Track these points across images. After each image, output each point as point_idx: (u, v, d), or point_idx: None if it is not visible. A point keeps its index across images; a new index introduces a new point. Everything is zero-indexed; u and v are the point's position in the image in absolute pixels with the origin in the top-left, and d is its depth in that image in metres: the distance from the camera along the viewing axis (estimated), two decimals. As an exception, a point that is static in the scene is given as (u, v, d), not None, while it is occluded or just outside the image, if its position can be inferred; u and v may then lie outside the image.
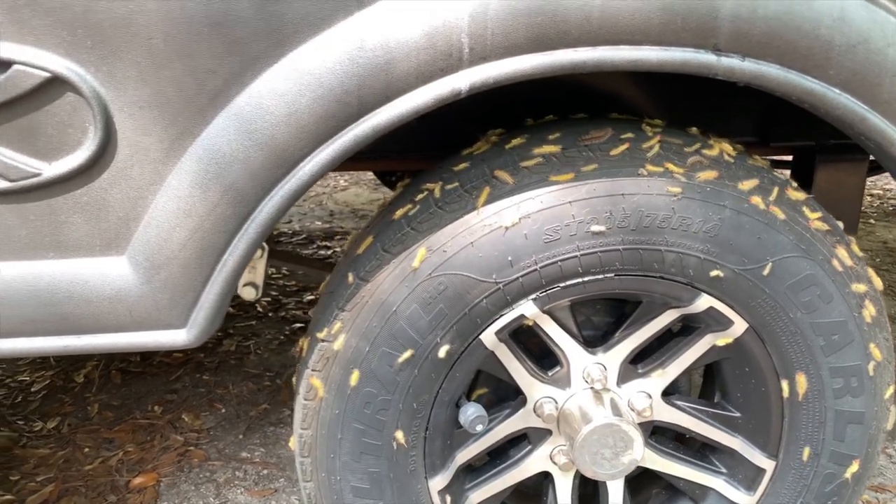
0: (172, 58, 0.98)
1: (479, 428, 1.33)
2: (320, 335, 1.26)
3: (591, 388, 1.40)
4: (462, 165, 1.24)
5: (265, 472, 2.27)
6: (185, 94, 1.00)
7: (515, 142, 1.23)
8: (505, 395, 1.48)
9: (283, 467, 2.29)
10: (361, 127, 1.02)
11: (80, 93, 0.98)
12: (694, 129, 1.32)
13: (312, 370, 1.28)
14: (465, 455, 1.41)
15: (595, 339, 1.43)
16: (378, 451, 1.30)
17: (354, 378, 1.25)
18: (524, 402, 1.41)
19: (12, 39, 0.95)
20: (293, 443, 1.38)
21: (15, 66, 0.96)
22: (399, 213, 1.25)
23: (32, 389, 2.75)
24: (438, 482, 1.37)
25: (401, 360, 1.23)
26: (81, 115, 1.00)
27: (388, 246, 1.23)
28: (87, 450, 2.39)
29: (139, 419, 2.56)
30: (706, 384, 1.61)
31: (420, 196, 1.25)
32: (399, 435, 1.29)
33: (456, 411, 1.36)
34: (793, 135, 1.71)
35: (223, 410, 2.61)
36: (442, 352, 1.24)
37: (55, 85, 0.98)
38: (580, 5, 0.97)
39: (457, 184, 1.23)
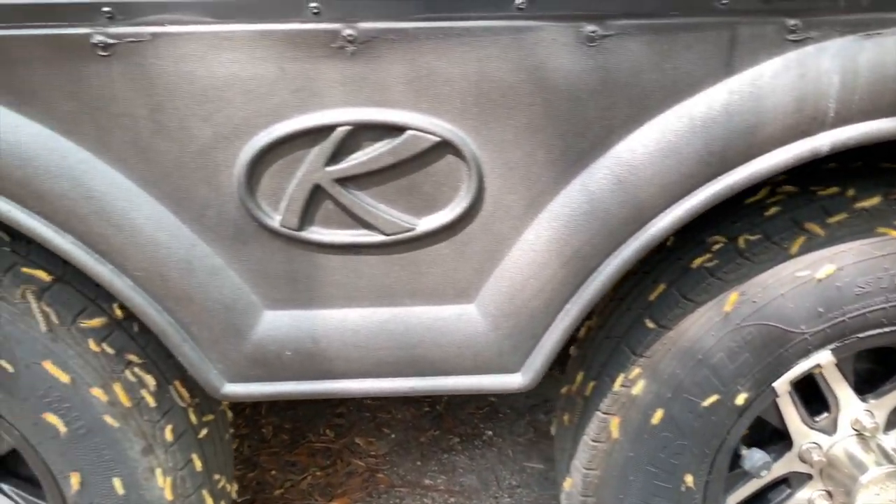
0: (548, 123, 1.04)
1: (764, 473, 1.36)
2: (617, 381, 1.30)
3: (858, 434, 1.40)
4: (768, 213, 1.27)
5: (452, 500, 2.32)
6: (551, 156, 1.06)
7: (830, 191, 1.26)
8: (758, 440, 1.50)
9: (469, 496, 2.33)
10: (718, 185, 1.06)
11: (461, 155, 1.05)
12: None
13: (605, 413, 1.33)
14: (734, 499, 1.43)
15: (859, 386, 1.44)
16: (667, 494, 1.33)
17: (654, 423, 1.29)
18: (789, 447, 1.43)
19: (408, 107, 1.03)
20: (570, 483, 1.42)
21: (409, 132, 1.04)
22: (697, 262, 1.29)
23: (205, 411, 2.86)
24: (713, 524, 1.39)
25: (702, 406, 1.27)
26: (457, 176, 1.07)
27: (690, 295, 1.27)
28: (273, 472, 2.48)
29: (314, 442, 2.64)
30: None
31: (717, 246, 1.29)
32: (689, 478, 1.32)
33: (732, 455, 1.39)
34: None
35: (393, 436, 2.67)
36: (740, 399, 1.28)
37: (440, 148, 1.05)
38: (948, 72, 1.00)
39: (760, 235, 1.26)
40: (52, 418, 1.26)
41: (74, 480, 1.31)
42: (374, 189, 1.07)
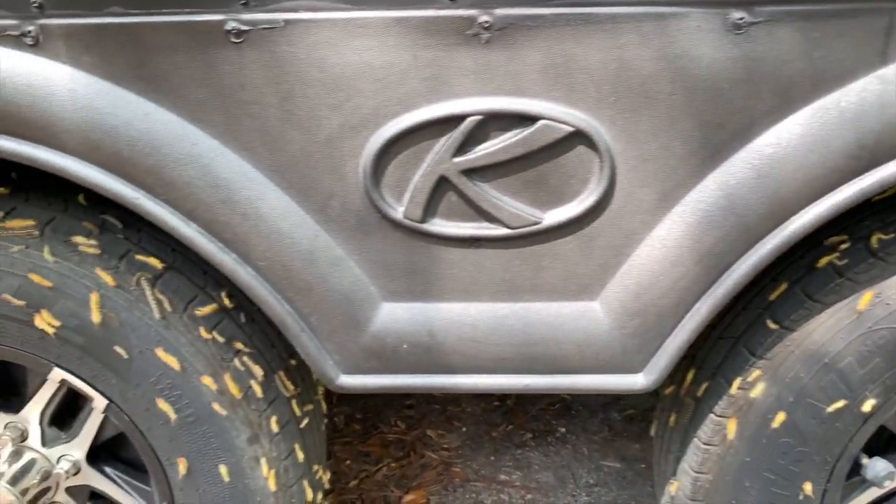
0: (686, 113, 1.00)
1: (888, 483, 1.30)
2: (734, 382, 1.25)
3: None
4: (899, 215, 1.21)
5: (529, 496, 2.29)
6: (689, 148, 1.02)
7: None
8: (875, 447, 1.43)
9: (546, 493, 2.30)
10: (867, 181, 1.01)
11: (594, 146, 1.02)
12: None
13: (720, 416, 1.28)
14: (850, 508, 1.37)
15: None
16: (784, 502, 1.28)
17: (773, 427, 1.23)
18: (909, 455, 1.36)
19: (541, 97, 1.00)
20: (676, 486, 1.38)
21: (541, 122, 1.00)
22: (823, 261, 1.23)
23: (277, 398, 2.88)
24: (829, 534, 1.34)
25: (827, 412, 1.21)
26: (586, 167, 1.04)
27: (817, 295, 1.21)
28: (347, 462, 2.48)
29: (387, 434, 2.63)
30: None
31: (844, 245, 1.23)
32: (808, 487, 1.27)
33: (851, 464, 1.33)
34: None
35: (464, 429, 2.65)
36: (867, 405, 1.22)
37: (572, 139, 1.02)
38: None
39: (895, 234, 1.20)
40: (163, 405, 1.27)
41: (182, 466, 1.32)
42: (501, 181, 1.04)
